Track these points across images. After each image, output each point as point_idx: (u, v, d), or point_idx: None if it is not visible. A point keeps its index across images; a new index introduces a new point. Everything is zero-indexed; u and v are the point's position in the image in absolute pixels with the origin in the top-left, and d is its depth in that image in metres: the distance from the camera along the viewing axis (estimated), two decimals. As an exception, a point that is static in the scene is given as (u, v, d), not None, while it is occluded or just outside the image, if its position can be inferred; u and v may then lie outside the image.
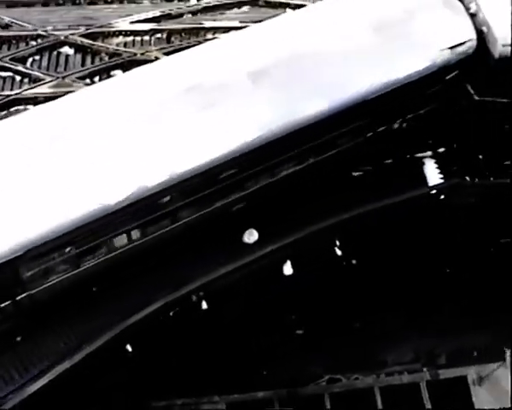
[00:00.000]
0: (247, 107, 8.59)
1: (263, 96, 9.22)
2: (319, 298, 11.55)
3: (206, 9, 12.81)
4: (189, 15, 12.48)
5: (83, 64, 10.39)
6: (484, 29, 11.06)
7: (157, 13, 11.92)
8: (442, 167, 12.90)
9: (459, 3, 11.95)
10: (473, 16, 11.26)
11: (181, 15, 12.30)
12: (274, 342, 11.46)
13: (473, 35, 10.83)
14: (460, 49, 10.66)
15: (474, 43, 10.97)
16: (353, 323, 12.29)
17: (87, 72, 9.57)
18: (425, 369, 12.05)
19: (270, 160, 9.36)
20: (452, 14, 11.08)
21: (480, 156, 13.77)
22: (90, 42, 9.88)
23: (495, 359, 12.96)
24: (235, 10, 13.03)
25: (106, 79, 9.32)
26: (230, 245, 9.89)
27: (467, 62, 10.82)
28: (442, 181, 12.51)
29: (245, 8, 13.48)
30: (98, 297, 7.19)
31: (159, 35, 11.71)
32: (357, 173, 12.12)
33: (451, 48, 10.45)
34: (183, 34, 11.61)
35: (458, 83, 11.32)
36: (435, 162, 12.86)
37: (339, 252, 10.82)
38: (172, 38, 11.73)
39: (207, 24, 11.28)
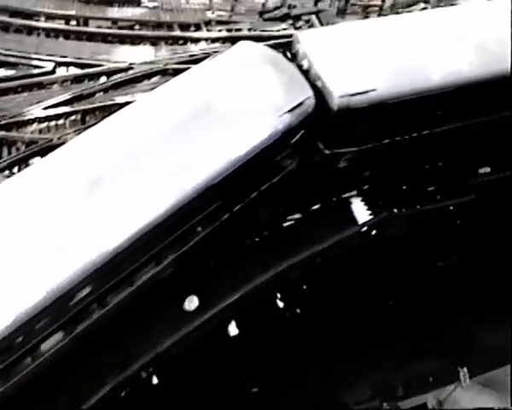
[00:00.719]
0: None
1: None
2: (269, 352, 11.47)
3: (117, 85, 12.93)
4: (101, 93, 12.52)
5: (0, 156, 10.27)
6: (319, 84, 11.25)
7: (68, 95, 11.93)
8: (369, 204, 13.23)
9: (289, 63, 12.05)
10: (306, 73, 11.43)
11: (93, 94, 12.36)
12: (230, 405, 11.29)
13: (309, 93, 10.98)
14: (299, 110, 10.73)
15: (312, 100, 11.08)
16: (307, 371, 12.26)
17: (5, 163, 9.50)
18: (385, 404, 12.12)
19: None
20: (285, 75, 11.15)
21: (404, 187, 14.16)
22: (5, 133, 9.86)
23: (450, 381, 13.16)
24: (146, 82, 13.21)
25: (25, 168, 9.23)
26: (173, 315, 9.76)
27: (309, 121, 10.91)
28: (371, 217, 12.82)
29: (155, 79, 13.65)
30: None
31: (73, 117, 11.69)
32: (288, 223, 12.33)
33: (290, 111, 10.49)
34: (96, 113, 11.64)
35: (305, 142, 11.34)
36: (362, 200, 13.20)
37: (281, 304, 10.87)
38: (87, 118, 11.74)
39: (120, 99, 11.33)
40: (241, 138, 9.75)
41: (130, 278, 9.08)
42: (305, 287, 12.67)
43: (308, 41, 12.37)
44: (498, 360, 15.66)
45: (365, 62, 12.16)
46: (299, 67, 12.07)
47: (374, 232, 13.34)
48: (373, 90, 11.43)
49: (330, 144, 11.85)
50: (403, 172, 14.21)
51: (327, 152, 11.68)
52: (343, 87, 11.33)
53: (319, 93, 11.31)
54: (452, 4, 18.58)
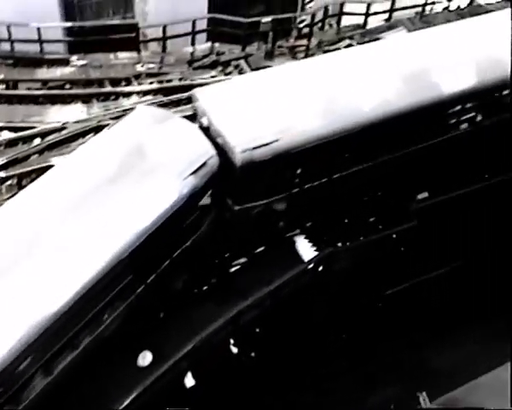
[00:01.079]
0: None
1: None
2: (226, 397, 11.39)
3: (52, 146, 12.78)
4: (36, 156, 12.36)
5: None
6: (220, 140, 11.40)
7: (2, 160, 11.77)
8: (313, 241, 13.36)
9: (189, 123, 12.01)
10: (207, 130, 11.48)
11: (28, 157, 12.20)
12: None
13: (212, 152, 11.13)
14: (203, 170, 10.86)
15: (215, 159, 11.19)
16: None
17: None
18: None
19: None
20: (186, 137, 11.23)
21: (346, 221, 14.36)
22: None
23: (410, 406, 13.29)
24: (80, 140, 13.09)
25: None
26: (127, 373, 9.62)
27: (215, 180, 11.02)
28: (316, 253, 12.96)
29: (89, 137, 13.53)
30: None
31: (9, 182, 11.50)
32: (235, 268, 12.35)
33: (194, 172, 10.63)
34: (33, 176, 11.46)
35: (214, 201, 11.38)
36: (306, 238, 13.33)
37: (235, 350, 10.79)
38: (23, 182, 11.55)
39: (55, 160, 11.19)
40: (145, 208, 9.73)
41: (73, 342, 8.95)
42: (257, 330, 12.64)
43: (206, 98, 12.24)
44: (454, 380, 15.87)
45: (265, 114, 12.26)
46: (200, 124, 12.04)
47: (320, 268, 13.47)
48: (275, 140, 11.57)
49: (239, 200, 11.87)
50: (341, 207, 14.39)
51: (237, 208, 11.66)
52: (244, 142, 11.35)
53: (222, 150, 11.35)
54: (376, 39, 19.09)
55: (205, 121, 12.13)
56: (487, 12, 18.79)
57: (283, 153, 11.91)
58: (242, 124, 12.06)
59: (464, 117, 15.41)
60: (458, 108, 15.09)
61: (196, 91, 12.99)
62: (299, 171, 12.66)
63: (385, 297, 16.46)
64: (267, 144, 11.59)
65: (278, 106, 12.66)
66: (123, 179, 9.97)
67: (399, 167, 15.25)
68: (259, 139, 11.60)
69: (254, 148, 11.48)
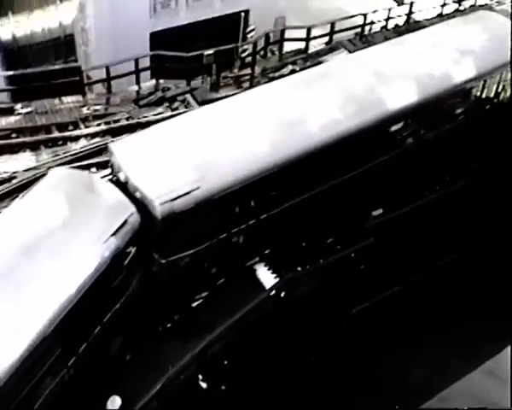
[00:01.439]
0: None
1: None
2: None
3: (2, 196, 12.59)
4: (-13, 209, 12.07)
5: None
6: (138, 195, 11.32)
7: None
8: (273, 268, 13.38)
9: (106, 182, 11.81)
10: (125, 185, 11.42)
11: (-22, 211, 11.91)
12: None
13: (131, 209, 11.00)
14: (124, 229, 10.76)
15: (135, 216, 11.09)
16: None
17: None
18: None
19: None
20: (103, 196, 11.03)
21: (304, 244, 14.44)
22: None
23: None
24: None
25: None
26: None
27: (138, 236, 10.97)
28: (277, 280, 13.00)
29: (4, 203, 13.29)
30: None
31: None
32: (196, 303, 12.30)
33: (115, 233, 10.57)
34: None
35: (140, 257, 11.27)
36: (266, 266, 13.35)
37: (204, 385, 10.73)
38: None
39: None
40: (66, 280, 9.49)
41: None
42: (225, 362, 12.55)
43: (122, 151, 12.05)
44: (427, 391, 16.00)
45: (183, 162, 11.87)
46: (117, 180, 11.80)
47: (282, 294, 13.49)
48: (196, 188, 11.38)
49: (165, 253, 11.47)
50: (297, 233, 14.42)
51: (163, 261, 11.44)
52: (163, 194, 11.08)
53: (141, 204, 11.13)
54: (319, 63, 19.35)
55: (122, 176, 11.95)
56: (424, 27, 19.25)
57: (206, 199, 11.82)
58: (160, 175, 11.91)
59: (408, 133, 15.79)
60: (401, 125, 15.40)
61: (111, 146, 12.82)
62: (232, 212, 12.64)
63: (350, 316, 16.56)
64: (187, 193, 11.49)
65: (196, 152, 12.56)
66: (40, 251, 9.69)
67: (351, 189, 15.42)
68: (179, 189, 11.51)
69: (174, 199, 11.37)
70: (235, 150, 12.58)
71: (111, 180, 12.12)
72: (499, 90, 17.15)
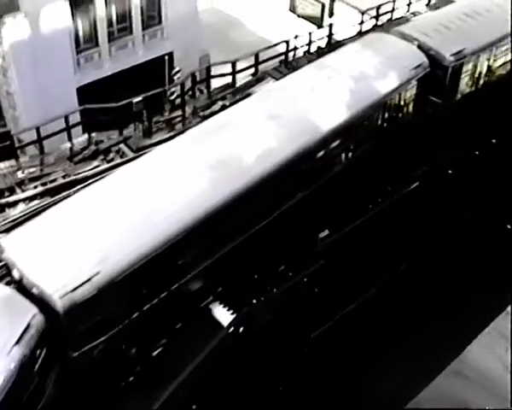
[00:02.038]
0: None
1: None
2: None
3: None
4: None
5: None
6: (36, 291, 10.81)
7: None
8: (229, 305, 13.31)
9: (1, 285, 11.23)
10: (21, 283, 11.05)
11: None
12: None
13: (33, 309, 10.53)
14: (28, 334, 10.15)
15: (39, 316, 10.50)
16: None
17: None
18: None
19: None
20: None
21: (256, 276, 14.46)
22: None
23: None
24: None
25: None
26: None
27: (45, 335, 10.43)
28: (234, 316, 12.96)
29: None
30: None
31: None
32: (156, 352, 12.14)
33: (18, 341, 9.98)
34: None
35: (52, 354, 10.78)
36: (221, 304, 13.27)
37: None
38: None
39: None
40: None
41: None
42: (194, 407, 12.43)
43: (14, 246, 11.64)
44: (397, 405, 16.13)
45: (78, 248, 11.50)
46: (11, 278, 11.35)
47: (241, 329, 13.43)
48: (96, 274, 10.93)
49: (76, 345, 11.11)
50: (247, 267, 14.38)
51: (76, 354, 11.04)
52: (62, 286, 10.69)
53: (41, 301, 10.60)
54: (248, 95, 19.50)
55: (16, 274, 11.37)
56: (343, 46, 19.70)
57: (109, 283, 11.32)
58: (57, 266, 11.33)
59: (338, 153, 16.07)
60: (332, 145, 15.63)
61: (2, 241, 12.18)
62: (148, 284, 12.21)
63: (311, 340, 16.61)
64: (88, 280, 11.00)
65: (95, 233, 12.09)
66: None
67: (294, 215, 15.43)
68: (78, 278, 11.00)
69: (74, 289, 10.86)
70: (137, 223, 12.21)
71: (7, 282, 11.54)
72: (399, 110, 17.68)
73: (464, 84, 19.39)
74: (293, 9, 26.26)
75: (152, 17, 25.87)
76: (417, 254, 18.52)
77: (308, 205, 15.13)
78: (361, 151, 16.63)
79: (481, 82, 20.06)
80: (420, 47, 18.29)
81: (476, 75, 19.71)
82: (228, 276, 13.66)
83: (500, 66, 20.43)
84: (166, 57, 22.04)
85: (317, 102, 15.77)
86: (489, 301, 18.66)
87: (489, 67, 20.01)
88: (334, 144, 15.64)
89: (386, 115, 17.16)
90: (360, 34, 24.43)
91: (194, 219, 12.44)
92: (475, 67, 19.44)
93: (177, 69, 22.22)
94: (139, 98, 19.18)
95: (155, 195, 12.89)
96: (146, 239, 11.87)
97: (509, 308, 17.98)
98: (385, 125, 17.27)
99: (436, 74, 18.11)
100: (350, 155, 16.44)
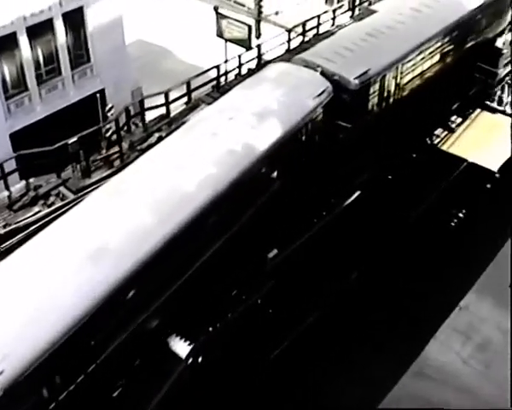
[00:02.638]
0: None
1: None
2: None
3: None
4: None
5: None
6: None
7: None
8: (186, 336, 13.22)
9: None
10: None
11: None
12: None
13: None
14: None
15: None
16: None
17: None
18: None
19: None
20: None
21: (210, 303, 14.40)
22: None
23: None
24: None
25: None
26: None
27: None
28: (190, 347, 12.91)
29: None
30: None
31: None
32: (117, 392, 11.97)
33: None
34: None
35: None
36: (177, 336, 13.17)
37: None
38: None
39: None
40: None
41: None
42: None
43: None
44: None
45: None
46: None
47: (199, 358, 13.39)
48: (1, 373, 10.25)
49: None
50: (200, 298, 14.29)
51: None
52: None
53: None
54: (183, 123, 19.49)
55: None
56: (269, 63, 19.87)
57: (17, 381, 10.53)
58: None
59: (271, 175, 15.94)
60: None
61: None
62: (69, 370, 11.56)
63: (270, 361, 16.64)
64: None
65: None
66: None
67: (236, 244, 15.12)
68: None
69: None
70: (41, 307, 11.39)
71: None
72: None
73: (373, 104, 19.29)
74: (220, 34, 26.37)
75: (80, 55, 25.78)
76: (368, 261, 18.76)
77: (250, 230, 15.14)
78: (274, 190, 16.06)
79: (391, 100, 19.94)
80: (323, 73, 17.92)
81: (385, 94, 19.62)
82: (176, 315, 13.41)
83: (409, 81, 20.44)
84: (98, 95, 21.92)
85: (219, 148, 15.00)
86: (441, 297, 19.02)
87: (397, 85, 19.97)
88: (242, 191, 14.79)
89: (296, 147, 16.63)
90: (288, 52, 24.75)
91: (109, 290, 11.84)
92: (382, 86, 19.31)
93: (110, 106, 22.08)
94: (74, 139, 18.98)
95: (60, 271, 12.11)
96: (54, 324, 11.13)
97: (461, 303, 18.35)
98: (296, 156, 16.78)
99: (342, 99, 17.77)
100: (265, 194, 15.81)
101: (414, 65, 20.41)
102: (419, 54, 20.37)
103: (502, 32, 25.48)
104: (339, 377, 17.04)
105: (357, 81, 17.98)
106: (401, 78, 20.05)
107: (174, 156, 15.00)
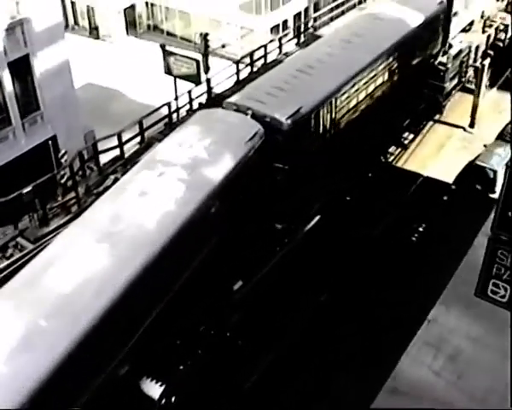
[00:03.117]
0: None
1: None
2: None
3: None
4: None
5: None
6: None
7: None
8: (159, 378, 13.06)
9: None
10: None
11: None
12: None
13: None
14: None
15: None
16: None
17: None
18: None
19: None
20: None
21: (179, 342, 14.23)
22: None
23: None
24: None
25: None
26: None
27: None
28: (163, 388, 12.76)
29: None
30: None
31: None
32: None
33: None
34: None
35: None
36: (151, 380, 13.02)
37: None
38: None
39: None
40: None
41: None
42: None
43: None
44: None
45: None
46: None
47: (173, 399, 13.31)
48: None
49: None
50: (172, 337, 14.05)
51: None
52: None
53: None
54: (136, 162, 19.42)
55: None
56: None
57: None
58: None
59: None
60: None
61: None
62: None
63: (243, 393, 16.50)
64: None
65: None
66: None
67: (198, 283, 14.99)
68: None
69: None
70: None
71: None
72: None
73: (311, 140, 18.84)
74: (168, 71, 26.37)
75: (29, 103, 25.50)
76: (336, 281, 18.78)
77: (203, 275, 14.86)
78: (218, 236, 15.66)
79: (333, 130, 19.58)
80: (254, 116, 17.45)
81: (323, 127, 19.20)
82: (146, 359, 13.54)
83: (351, 109, 20.31)
84: (50, 141, 21.73)
85: (150, 209, 14.37)
86: (411, 310, 19.07)
87: (335, 116, 19.60)
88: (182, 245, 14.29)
89: (233, 193, 16.08)
90: (238, 84, 24.89)
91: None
92: (318, 121, 18.87)
93: (63, 151, 21.90)
94: (29, 188, 18.75)
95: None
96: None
97: (429, 316, 18.43)
98: (234, 201, 16.26)
99: (276, 140, 17.25)
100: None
101: (351, 95, 20.23)
102: (354, 85, 20.20)
103: (443, 48, 26.19)
104: (313, 401, 16.97)
105: (289, 121, 17.45)
106: (340, 109, 19.77)
107: (102, 224, 14.15)
